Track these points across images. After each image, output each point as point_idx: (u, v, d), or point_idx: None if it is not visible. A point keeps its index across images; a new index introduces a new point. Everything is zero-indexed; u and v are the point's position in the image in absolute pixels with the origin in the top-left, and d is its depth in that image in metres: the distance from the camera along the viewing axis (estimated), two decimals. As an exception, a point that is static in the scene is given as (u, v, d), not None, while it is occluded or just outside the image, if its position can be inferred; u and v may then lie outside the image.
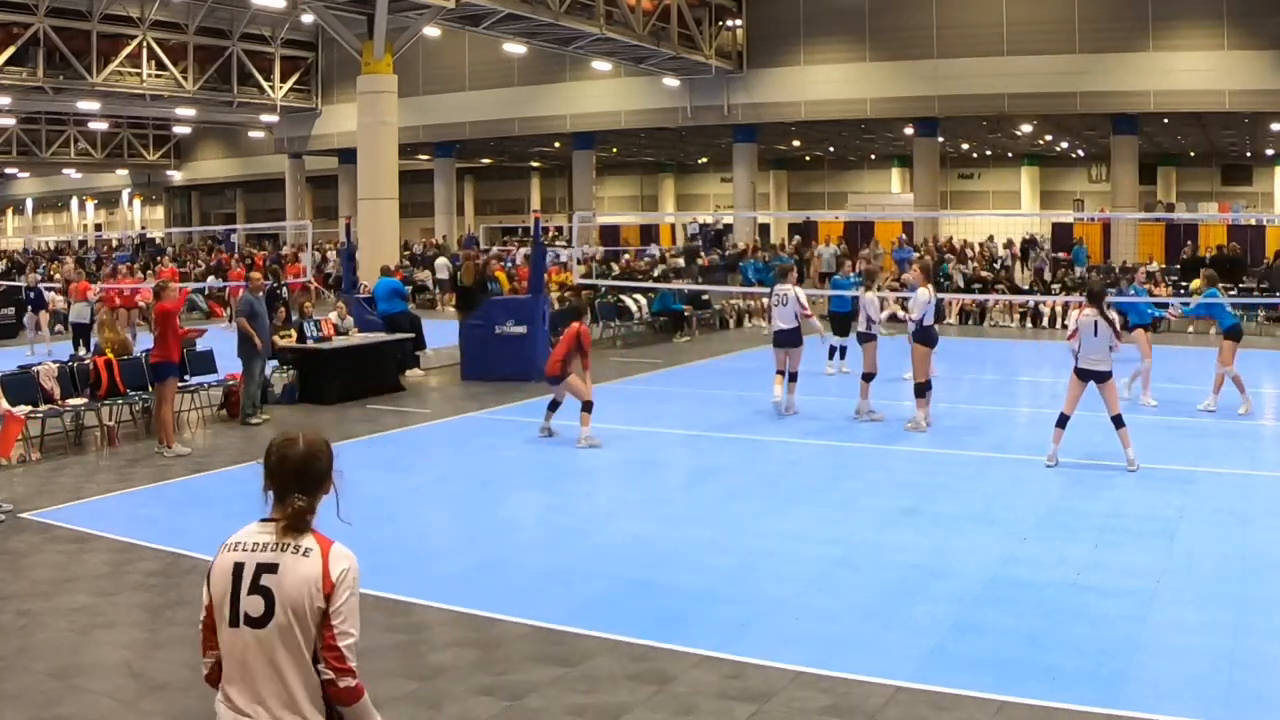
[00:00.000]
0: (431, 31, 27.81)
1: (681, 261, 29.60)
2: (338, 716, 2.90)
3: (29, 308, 21.21)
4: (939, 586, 6.84)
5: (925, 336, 11.74)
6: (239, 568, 2.88)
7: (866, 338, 13.02)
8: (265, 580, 2.85)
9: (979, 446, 10.70)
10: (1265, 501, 8.93)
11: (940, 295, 13.48)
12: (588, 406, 11.24)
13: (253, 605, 2.85)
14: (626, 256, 33.58)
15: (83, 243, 47.91)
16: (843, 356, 16.27)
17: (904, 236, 30.61)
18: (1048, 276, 26.72)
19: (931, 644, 5.91)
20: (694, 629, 6.17)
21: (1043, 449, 10.28)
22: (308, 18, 29.04)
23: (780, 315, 12.68)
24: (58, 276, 25.23)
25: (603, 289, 22.22)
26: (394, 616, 6.42)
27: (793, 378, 12.65)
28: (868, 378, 12.56)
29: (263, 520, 2.97)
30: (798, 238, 32.24)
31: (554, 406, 11.69)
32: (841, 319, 16.33)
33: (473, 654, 5.85)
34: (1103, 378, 9.67)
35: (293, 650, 2.83)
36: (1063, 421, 9.87)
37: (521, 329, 15.68)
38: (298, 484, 2.97)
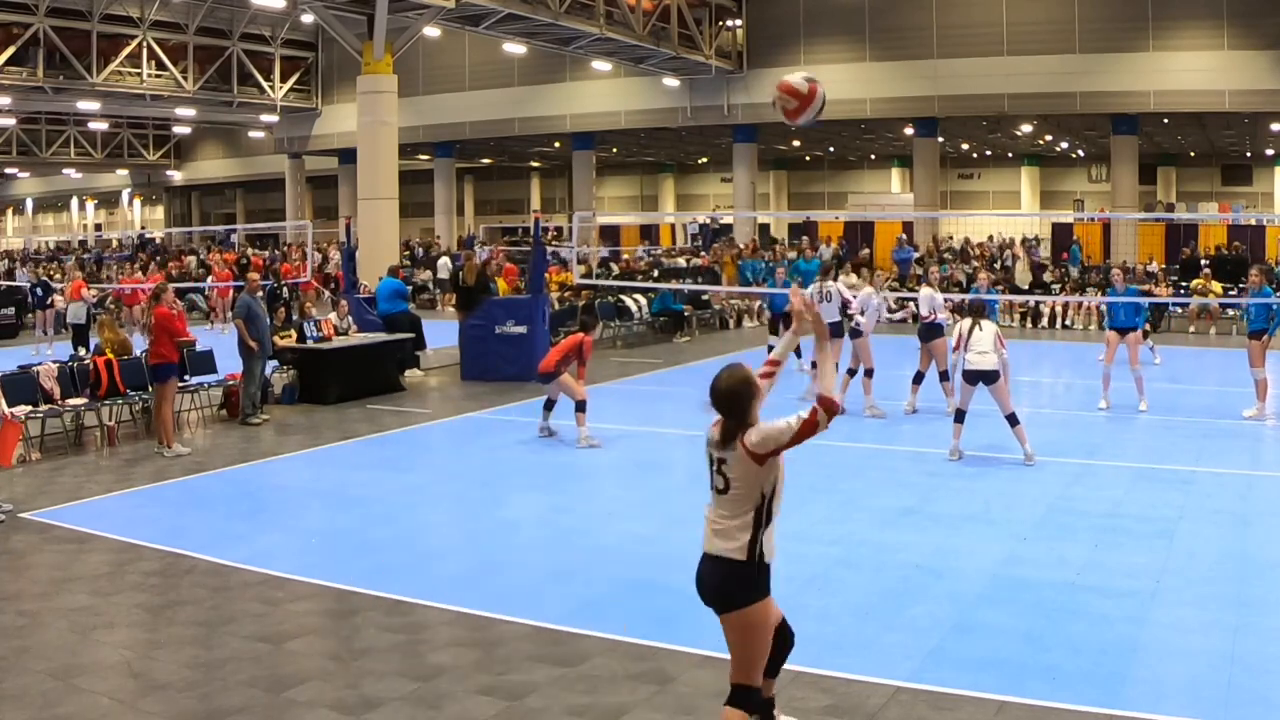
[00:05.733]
0: (431, 31, 27.82)
1: (682, 262, 29.61)
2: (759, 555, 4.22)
3: (34, 306, 21.20)
4: (939, 586, 6.84)
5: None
6: (710, 457, 4.31)
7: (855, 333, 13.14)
8: (723, 469, 4.23)
9: (979, 446, 10.70)
10: (1265, 501, 8.93)
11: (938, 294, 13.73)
12: (581, 406, 11.27)
13: (718, 481, 4.26)
14: (625, 257, 33.60)
15: (83, 243, 47.91)
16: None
17: (904, 236, 30.61)
18: (1047, 277, 26.72)
19: (931, 644, 5.91)
20: (694, 629, 6.16)
21: (1044, 449, 10.30)
22: (308, 18, 29.03)
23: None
24: (57, 276, 25.23)
25: (602, 288, 22.22)
26: (394, 616, 6.42)
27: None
28: (868, 373, 12.90)
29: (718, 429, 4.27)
30: (811, 239, 32.19)
31: (549, 405, 11.71)
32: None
33: (473, 654, 5.85)
34: (991, 378, 10.19)
35: (740, 508, 4.21)
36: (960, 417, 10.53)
37: (521, 329, 15.68)
38: (726, 409, 4.25)
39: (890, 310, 14.12)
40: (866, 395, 12.78)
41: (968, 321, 10.48)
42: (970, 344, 10.25)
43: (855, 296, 13.30)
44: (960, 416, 10.42)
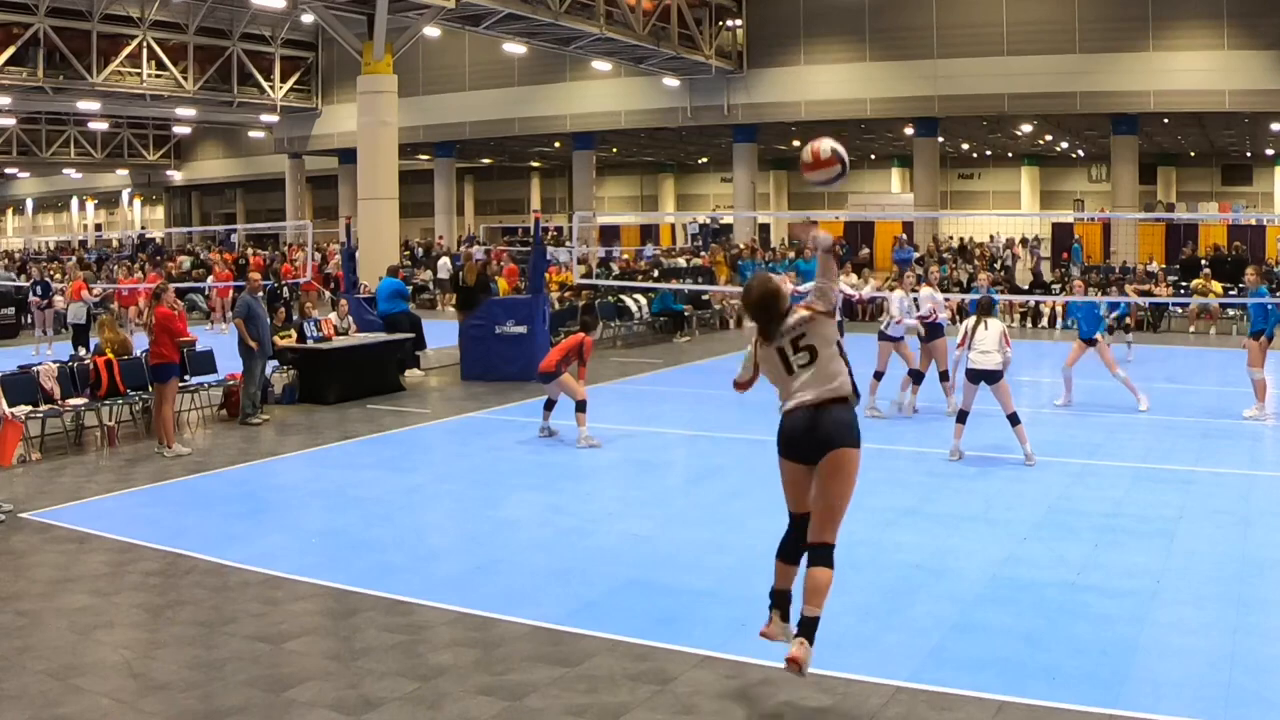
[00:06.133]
0: (431, 31, 27.83)
1: (682, 262, 29.63)
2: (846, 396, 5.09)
3: (37, 301, 21.18)
4: (939, 586, 6.84)
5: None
6: (780, 350, 5.08)
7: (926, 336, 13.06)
8: (800, 343, 5.03)
9: (979, 446, 10.69)
10: (1265, 501, 8.93)
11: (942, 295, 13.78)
12: (581, 406, 11.27)
13: (802, 358, 5.05)
14: (625, 257, 33.60)
15: (83, 243, 47.90)
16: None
17: (904, 236, 30.62)
18: (1047, 277, 26.73)
19: (931, 644, 5.90)
20: (694, 629, 6.17)
21: (1044, 449, 10.29)
22: (308, 18, 29.05)
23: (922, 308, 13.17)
24: (58, 276, 25.23)
25: (602, 288, 22.23)
26: (394, 616, 6.42)
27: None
28: (877, 375, 12.78)
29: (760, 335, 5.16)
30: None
31: (550, 405, 11.71)
32: None
33: (473, 654, 5.85)
34: (993, 377, 10.15)
35: (830, 363, 5.06)
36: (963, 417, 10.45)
37: (521, 329, 15.68)
38: (765, 313, 5.11)
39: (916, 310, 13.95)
40: (870, 395, 12.58)
41: (973, 319, 10.42)
42: (974, 342, 10.21)
43: (858, 294, 13.27)
44: (962, 417, 10.38)
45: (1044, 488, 9.32)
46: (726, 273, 25.91)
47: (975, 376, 10.21)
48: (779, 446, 5.11)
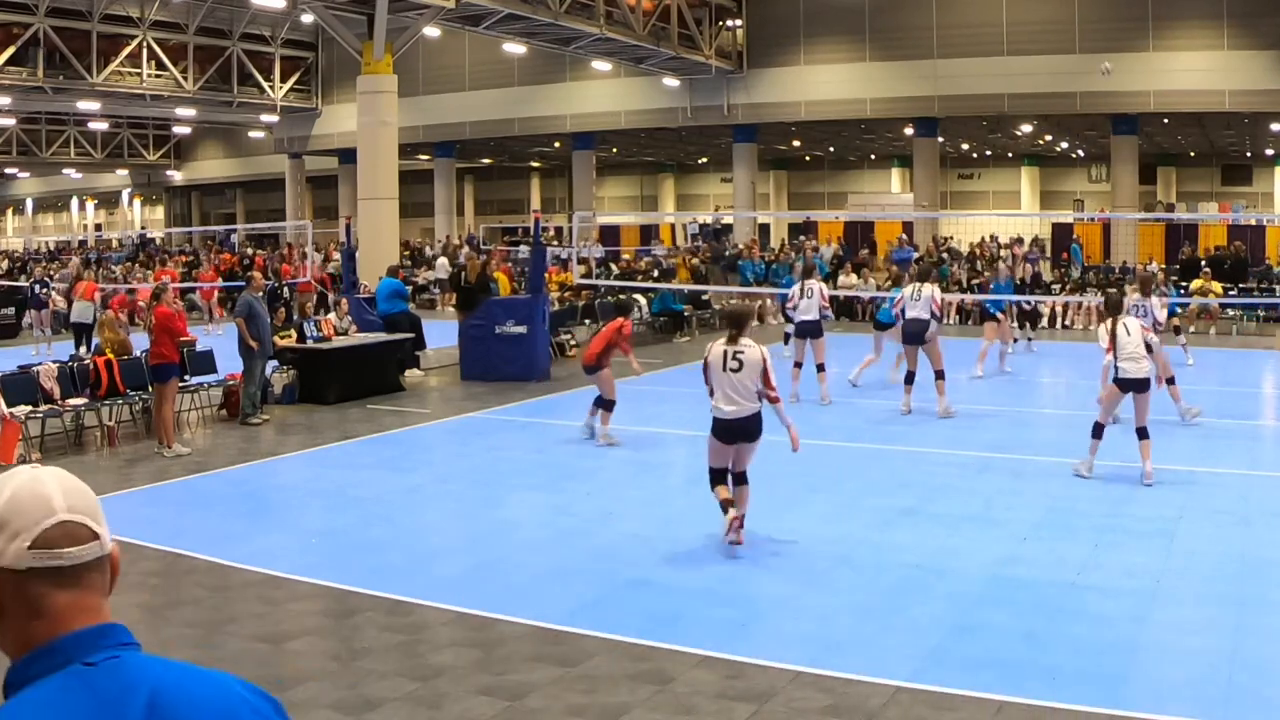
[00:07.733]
0: (431, 31, 27.81)
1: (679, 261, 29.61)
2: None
3: (31, 306, 21.18)
4: (939, 586, 6.84)
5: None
6: (725, 353, 7.46)
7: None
8: (739, 356, 7.43)
9: (979, 446, 10.69)
10: (1265, 501, 8.93)
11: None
12: (609, 405, 11.25)
13: (734, 364, 7.41)
14: (626, 258, 33.59)
15: (83, 243, 47.88)
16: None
17: (904, 237, 30.60)
18: (1047, 277, 26.70)
19: (931, 644, 5.90)
20: (694, 629, 6.17)
21: (1044, 449, 10.29)
22: (308, 18, 29.03)
23: (910, 308, 12.86)
24: (58, 276, 25.23)
25: (602, 289, 22.24)
26: (394, 616, 6.42)
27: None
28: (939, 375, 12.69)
29: (726, 340, 7.55)
30: (809, 239, 32.18)
31: (599, 403, 11.40)
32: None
33: (473, 654, 5.85)
34: (1144, 386, 9.36)
35: (751, 382, 7.42)
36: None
37: (521, 329, 15.68)
38: (734, 326, 7.65)
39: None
40: (941, 397, 12.55)
41: (1110, 321, 9.54)
42: (1121, 348, 9.26)
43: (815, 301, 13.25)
44: (1099, 431, 9.41)
45: (1044, 488, 9.32)
46: (685, 274, 25.69)
47: (1127, 386, 9.26)
48: (718, 434, 7.51)
